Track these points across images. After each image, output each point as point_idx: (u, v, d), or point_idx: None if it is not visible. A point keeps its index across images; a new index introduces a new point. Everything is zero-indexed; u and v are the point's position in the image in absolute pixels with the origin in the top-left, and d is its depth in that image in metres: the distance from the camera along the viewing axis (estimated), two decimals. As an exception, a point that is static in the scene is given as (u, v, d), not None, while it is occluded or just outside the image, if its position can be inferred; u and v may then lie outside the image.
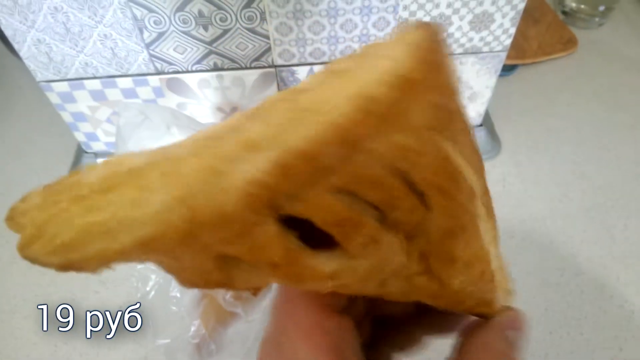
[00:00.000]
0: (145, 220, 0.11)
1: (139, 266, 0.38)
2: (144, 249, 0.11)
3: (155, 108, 0.34)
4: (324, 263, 0.14)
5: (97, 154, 0.57)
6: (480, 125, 0.57)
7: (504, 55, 0.48)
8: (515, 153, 0.59)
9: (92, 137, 0.55)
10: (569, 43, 0.69)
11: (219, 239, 0.12)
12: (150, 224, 0.11)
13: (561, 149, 0.59)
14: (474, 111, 0.55)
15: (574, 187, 0.56)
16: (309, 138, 0.11)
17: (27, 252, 0.12)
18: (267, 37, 0.44)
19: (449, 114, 0.14)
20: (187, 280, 0.14)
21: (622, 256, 0.50)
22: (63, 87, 0.48)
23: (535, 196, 0.55)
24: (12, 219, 0.12)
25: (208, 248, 0.12)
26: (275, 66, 0.47)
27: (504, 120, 0.61)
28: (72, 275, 0.41)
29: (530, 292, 0.48)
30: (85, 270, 0.12)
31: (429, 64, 0.12)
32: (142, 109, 0.34)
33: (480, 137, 0.58)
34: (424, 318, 0.22)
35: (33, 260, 0.12)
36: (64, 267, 0.12)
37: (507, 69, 0.65)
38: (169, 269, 0.14)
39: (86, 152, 0.57)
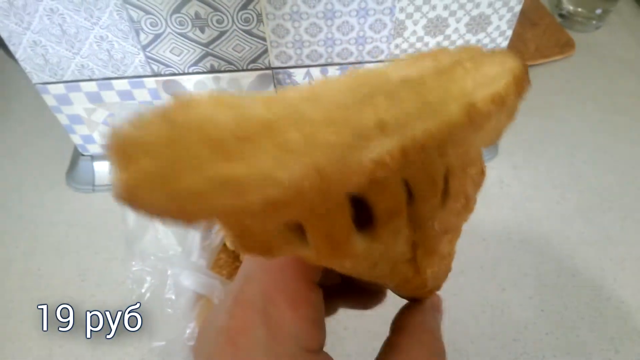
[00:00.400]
0: (281, 183, 0.10)
1: (134, 268, 0.38)
2: (257, 211, 0.10)
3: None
4: (359, 242, 0.15)
5: (93, 157, 0.57)
6: (477, 127, 0.57)
7: (500, 57, 0.48)
8: (512, 155, 0.59)
9: (89, 139, 0.55)
10: (566, 46, 0.70)
11: (312, 210, 0.12)
12: (284, 188, 0.10)
13: (558, 151, 0.59)
14: (470, 113, 0.55)
15: (571, 188, 0.56)
16: (428, 131, 0.12)
17: (137, 190, 0.10)
18: (264, 39, 0.44)
19: (499, 135, 0.17)
20: (245, 244, 0.14)
21: (619, 257, 0.50)
22: (59, 89, 0.48)
23: (532, 198, 0.55)
24: (121, 146, 0.10)
25: (298, 216, 0.13)
26: (272, 68, 0.47)
27: (500, 122, 0.61)
28: (68, 278, 0.41)
29: (526, 293, 0.48)
30: (188, 222, 0.10)
31: (518, 91, 0.14)
32: (138, 110, 0.34)
33: (477, 139, 0.58)
34: (346, 291, 0.23)
35: (138, 199, 0.10)
36: (174, 214, 0.10)
37: (504, 71, 0.65)
38: (235, 231, 0.14)
39: (83, 155, 0.57)
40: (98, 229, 0.55)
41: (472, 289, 0.48)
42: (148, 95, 0.49)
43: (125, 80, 0.48)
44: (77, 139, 0.55)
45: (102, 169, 0.57)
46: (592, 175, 0.57)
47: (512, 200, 0.55)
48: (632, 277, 0.49)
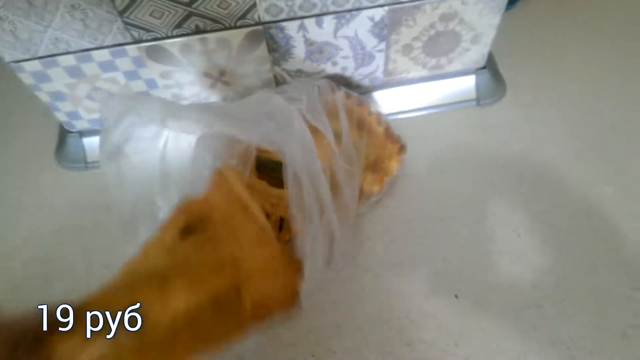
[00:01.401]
0: None
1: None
2: None
3: (143, 100, 0.31)
4: None
5: (82, 133, 0.54)
6: (484, 67, 0.54)
7: (508, -10, 0.44)
8: (521, 94, 0.56)
9: (74, 115, 0.51)
10: (571, -34, 0.65)
11: None
12: None
13: (569, 86, 0.56)
14: (477, 53, 0.52)
15: (584, 125, 0.54)
16: None
17: None
18: (251, -7, 0.40)
19: None
20: None
21: (636, 193, 0.49)
22: (35, 66, 0.45)
23: (544, 138, 0.53)
24: None
25: None
26: (263, 23, 0.43)
27: (508, 59, 0.58)
28: (74, 261, 0.42)
29: (541, 238, 0.47)
30: None
31: None
32: (127, 102, 0.31)
33: (485, 79, 0.55)
34: None
35: None
36: None
37: (510, 2, 0.61)
38: None
39: (70, 132, 0.54)
40: (99, 207, 0.53)
41: (487, 238, 0.47)
42: (132, 64, 0.46)
43: (105, 50, 0.44)
44: (61, 116, 0.52)
45: (92, 144, 0.55)
46: (606, 109, 0.54)
47: (522, 141, 0.53)
48: (649, 211, 0.48)
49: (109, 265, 0.49)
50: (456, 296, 0.45)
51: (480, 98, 0.55)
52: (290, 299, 0.30)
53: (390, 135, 0.49)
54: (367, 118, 0.48)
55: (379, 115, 0.49)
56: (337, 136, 0.46)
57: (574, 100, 0.55)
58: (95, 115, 0.52)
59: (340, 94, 0.48)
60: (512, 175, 0.51)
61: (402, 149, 0.49)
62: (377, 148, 0.48)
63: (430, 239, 0.48)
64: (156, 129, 0.33)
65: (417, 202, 0.50)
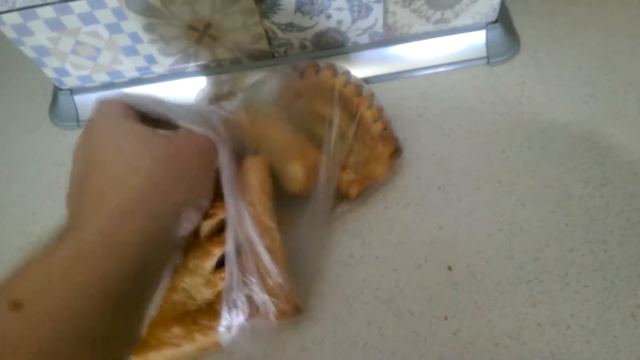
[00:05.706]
0: None
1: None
2: None
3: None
4: None
5: (72, 90, 0.53)
6: (496, 21, 0.50)
7: None
8: (536, 51, 0.51)
9: (62, 72, 0.50)
10: None
11: None
12: None
13: (588, 42, 0.51)
14: (486, 5, 0.47)
15: (602, 85, 0.49)
16: None
17: None
18: None
19: None
20: None
21: (656, 161, 0.45)
22: (15, 18, 0.43)
23: (558, 99, 0.49)
24: None
25: None
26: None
27: (523, 12, 0.53)
28: (63, 221, 0.38)
29: (548, 207, 0.44)
30: None
31: None
32: None
33: (496, 35, 0.50)
34: None
35: None
36: None
37: (528, -51, 0.56)
38: None
39: (61, 90, 0.53)
40: (89, 167, 0.52)
41: (487, 207, 0.44)
42: (112, 16, 0.43)
43: (84, 2, 0.42)
44: (49, 73, 0.50)
45: (84, 103, 0.53)
46: (626, 67, 0.49)
47: (534, 103, 0.49)
48: (670, 182, 0.43)
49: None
50: (449, 267, 0.42)
51: (491, 56, 0.50)
52: None
53: (386, 135, 0.44)
54: (364, 112, 0.44)
55: (378, 111, 0.44)
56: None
57: (592, 57, 0.50)
58: (85, 72, 0.50)
59: (339, 79, 0.44)
60: (520, 139, 0.47)
61: (396, 152, 0.44)
62: (365, 147, 0.44)
63: (426, 206, 0.45)
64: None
65: (414, 168, 0.47)
